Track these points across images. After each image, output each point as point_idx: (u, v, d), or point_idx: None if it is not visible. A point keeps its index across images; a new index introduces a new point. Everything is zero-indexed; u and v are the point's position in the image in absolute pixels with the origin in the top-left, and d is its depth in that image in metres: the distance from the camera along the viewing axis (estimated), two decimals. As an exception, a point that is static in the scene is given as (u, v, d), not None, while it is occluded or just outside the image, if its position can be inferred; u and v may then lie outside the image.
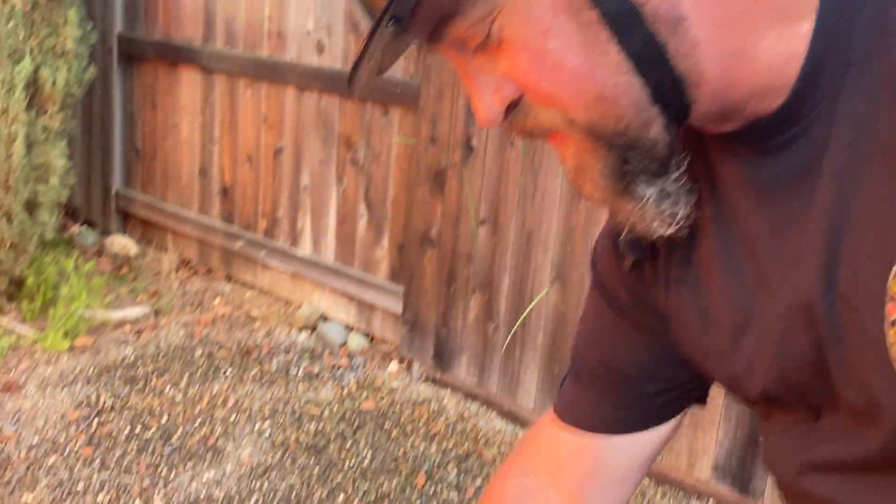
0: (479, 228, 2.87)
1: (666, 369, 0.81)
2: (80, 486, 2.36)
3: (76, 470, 2.43)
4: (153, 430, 2.68)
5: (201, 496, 2.38)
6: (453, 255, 2.95)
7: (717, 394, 2.43)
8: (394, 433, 2.81)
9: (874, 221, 0.55)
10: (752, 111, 0.60)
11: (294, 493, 2.44)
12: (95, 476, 2.41)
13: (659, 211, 0.62)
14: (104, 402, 2.80)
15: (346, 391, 3.06)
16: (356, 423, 2.85)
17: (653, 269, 0.75)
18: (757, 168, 0.62)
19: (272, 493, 2.42)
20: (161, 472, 2.47)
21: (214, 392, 2.95)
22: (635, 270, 0.76)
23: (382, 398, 3.04)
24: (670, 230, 0.63)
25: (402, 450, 2.72)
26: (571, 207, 2.63)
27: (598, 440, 0.85)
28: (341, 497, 2.44)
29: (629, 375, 0.82)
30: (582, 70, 0.57)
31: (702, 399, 0.85)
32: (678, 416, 0.85)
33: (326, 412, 2.90)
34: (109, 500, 2.31)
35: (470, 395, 3.03)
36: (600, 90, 0.57)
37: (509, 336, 2.83)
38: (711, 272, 0.68)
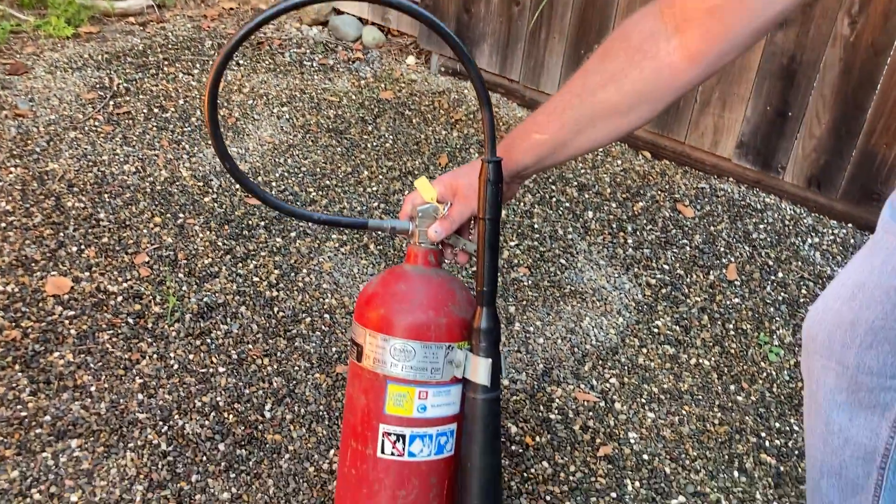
0: None
1: None
2: (105, 158, 2.36)
3: (98, 144, 2.42)
4: (171, 111, 2.64)
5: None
6: (476, -71, 2.73)
7: (750, 67, 2.36)
8: (414, 120, 2.78)
9: None
10: None
11: (318, 168, 2.45)
12: (119, 150, 2.41)
13: None
14: (118, 86, 2.74)
15: (363, 83, 2.99)
16: (376, 111, 2.81)
17: None
18: None
19: (297, 168, 2.44)
20: (184, 148, 2.46)
21: (229, 80, 2.88)
22: None
23: (401, 89, 2.97)
24: None
25: (423, 135, 2.70)
26: None
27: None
28: (365, 173, 2.46)
29: None
30: None
31: None
32: None
33: (345, 100, 2.85)
34: (136, 170, 2.33)
35: (491, 85, 2.96)
36: None
37: (536, 14, 2.70)
38: None
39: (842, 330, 0.98)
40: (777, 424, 1.77)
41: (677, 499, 1.57)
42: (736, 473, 1.64)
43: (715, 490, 1.60)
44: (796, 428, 1.77)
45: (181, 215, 2.16)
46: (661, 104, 1.02)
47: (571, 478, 1.59)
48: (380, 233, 1.25)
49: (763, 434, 1.74)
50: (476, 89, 0.99)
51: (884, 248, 0.95)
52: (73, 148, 2.39)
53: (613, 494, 1.56)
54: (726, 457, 1.68)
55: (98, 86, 2.72)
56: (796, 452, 1.71)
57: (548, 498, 1.54)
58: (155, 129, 2.54)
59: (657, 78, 1.00)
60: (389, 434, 1.06)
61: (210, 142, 0.98)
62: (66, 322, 1.78)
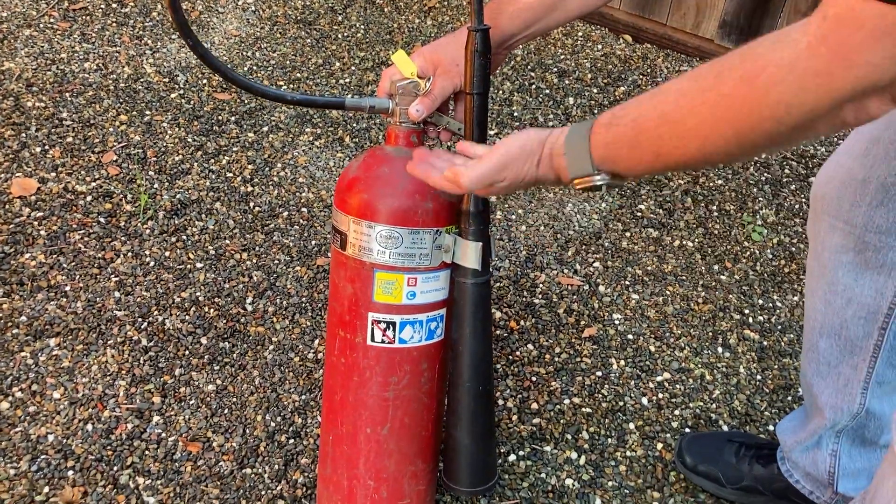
0: None
1: None
2: (64, 56, 2.25)
3: (55, 42, 2.30)
4: (130, 6, 2.51)
5: (192, 64, 2.29)
6: None
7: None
8: (386, 9, 2.67)
9: None
10: None
11: (288, 60, 2.36)
12: (78, 47, 2.29)
13: None
14: (71, -20, 2.59)
15: (331, -29, 2.86)
16: (345, 0, 2.69)
17: None
18: None
19: (266, 61, 2.34)
20: (146, 43, 2.35)
21: (189, -29, 2.73)
22: None
23: (371, -23, 2.84)
24: None
25: (396, 24, 2.60)
26: None
27: None
28: (337, 64, 2.37)
29: None
30: None
31: None
32: None
33: (312, -10, 2.72)
34: (97, 68, 2.22)
35: (464, -29, 2.84)
36: None
37: None
38: None
39: (852, 188, 0.94)
40: (760, 301, 1.77)
41: (662, 375, 1.58)
42: (720, 349, 1.65)
43: (699, 366, 1.61)
44: (779, 304, 1.77)
45: (147, 112, 2.08)
46: None
47: (557, 359, 1.59)
48: (358, 112, 1.19)
49: (746, 311, 1.75)
50: None
51: None
52: (28, 46, 2.27)
53: (599, 373, 1.57)
54: (710, 334, 1.68)
55: (50, -20, 2.57)
56: (779, 328, 1.72)
57: (534, 379, 1.54)
58: (114, 24, 2.42)
59: None
60: (379, 322, 1.03)
61: (172, 19, 0.90)
62: (35, 223, 1.72)
